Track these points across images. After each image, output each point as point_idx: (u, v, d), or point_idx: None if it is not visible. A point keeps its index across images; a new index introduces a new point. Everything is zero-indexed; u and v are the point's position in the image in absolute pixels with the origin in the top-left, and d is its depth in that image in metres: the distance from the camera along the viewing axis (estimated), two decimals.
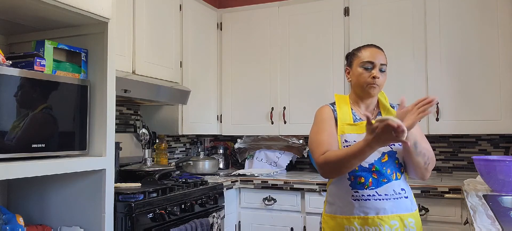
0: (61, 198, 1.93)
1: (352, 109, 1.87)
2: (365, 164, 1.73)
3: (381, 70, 1.80)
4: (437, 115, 2.85)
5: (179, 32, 3.02)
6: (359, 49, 1.86)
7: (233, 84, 3.50)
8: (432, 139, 3.21)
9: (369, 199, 1.70)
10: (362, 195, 1.71)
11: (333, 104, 1.92)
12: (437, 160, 3.19)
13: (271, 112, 3.35)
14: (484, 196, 2.02)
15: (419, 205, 2.57)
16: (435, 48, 2.88)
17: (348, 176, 1.75)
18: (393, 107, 1.89)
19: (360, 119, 1.84)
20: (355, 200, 1.72)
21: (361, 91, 1.82)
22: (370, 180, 1.71)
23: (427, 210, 2.56)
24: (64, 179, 1.91)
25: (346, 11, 3.14)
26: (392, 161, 1.75)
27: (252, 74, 3.43)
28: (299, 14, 3.30)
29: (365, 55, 1.81)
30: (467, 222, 2.19)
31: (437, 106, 2.85)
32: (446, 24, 2.87)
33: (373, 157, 1.70)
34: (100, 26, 1.90)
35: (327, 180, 1.88)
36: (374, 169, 1.72)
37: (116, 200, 1.95)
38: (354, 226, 1.71)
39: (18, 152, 1.57)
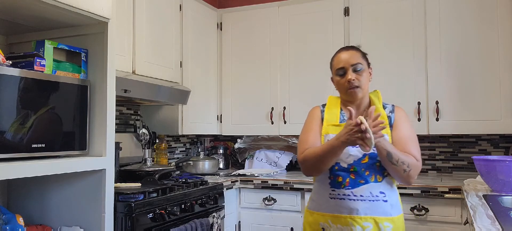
0: (61, 198, 1.93)
1: (341, 110, 1.88)
2: (344, 164, 1.75)
3: (355, 71, 1.78)
4: (437, 115, 2.85)
5: (179, 32, 3.02)
6: (333, 57, 1.89)
7: (233, 84, 3.50)
8: (432, 139, 3.21)
9: (344, 199, 1.73)
10: (338, 194, 1.74)
11: (324, 105, 1.95)
12: (437, 160, 3.20)
13: (271, 112, 3.35)
14: (484, 196, 2.02)
15: (419, 205, 2.57)
16: (435, 48, 2.88)
17: (329, 174, 1.78)
18: (385, 107, 1.87)
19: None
20: (331, 198, 1.76)
21: (346, 97, 1.85)
22: (347, 180, 1.74)
23: (427, 210, 2.56)
24: (64, 179, 1.91)
25: (346, 11, 3.14)
26: (372, 163, 1.74)
27: (252, 74, 3.43)
28: (299, 14, 3.30)
29: (336, 62, 1.84)
30: (467, 222, 2.19)
31: (437, 107, 2.85)
32: (446, 24, 2.87)
33: (353, 157, 1.74)
34: (100, 26, 1.90)
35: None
36: (352, 170, 1.74)
37: (116, 200, 1.95)
38: (328, 223, 1.76)
39: (18, 152, 1.57)
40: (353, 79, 1.76)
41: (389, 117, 1.83)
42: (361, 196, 1.71)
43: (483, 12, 2.78)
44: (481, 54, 2.77)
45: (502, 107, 2.72)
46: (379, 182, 1.74)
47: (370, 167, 1.73)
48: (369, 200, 1.71)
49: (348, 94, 1.80)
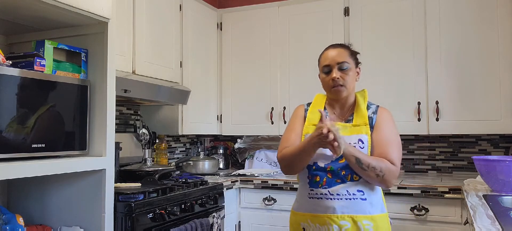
0: (61, 198, 1.93)
1: (325, 109, 1.89)
2: (321, 163, 1.76)
3: (341, 69, 1.77)
4: (437, 115, 2.85)
5: (179, 32, 3.02)
6: (321, 54, 1.88)
7: (233, 84, 3.50)
8: (432, 139, 3.21)
9: (322, 198, 1.74)
10: (316, 194, 1.76)
11: (309, 104, 1.96)
12: (437, 160, 3.20)
13: (271, 112, 3.35)
14: (484, 196, 2.02)
15: (419, 205, 2.57)
16: (435, 48, 2.88)
17: (307, 174, 1.80)
18: (369, 107, 1.83)
19: (333, 120, 1.86)
20: (310, 198, 1.78)
21: (331, 95, 1.86)
22: (324, 179, 1.75)
23: (427, 210, 2.56)
24: (64, 179, 1.91)
25: (346, 11, 3.14)
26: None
27: (252, 74, 3.43)
28: (299, 14, 3.30)
29: (323, 59, 1.84)
30: (467, 222, 2.19)
31: (437, 107, 2.85)
32: (446, 24, 2.87)
33: (329, 158, 1.74)
34: (100, 26, 1.90)
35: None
36: (329, 169, 1.75)
37: (116, 200, 1.95)
38: (307, 223, 1.78)
39: (18, 152, 1.57)
40: (338, 78, 1.77)
41: (370, 118, 1.80)
42: (337, 195, 1.72)
43: (483, 12, 2.78)
44: (481, 54, 2.77)
45: (502, 107, 2.72)
46: (356, 180, 1.73)
47: (347, 166, 1.72)
48: (346, 199, 1.71)
49: (332, 92, 1.81)
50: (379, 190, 1.79)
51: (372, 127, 1.78)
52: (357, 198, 1.71)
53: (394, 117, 2.91)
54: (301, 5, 3.29)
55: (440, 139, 3.20)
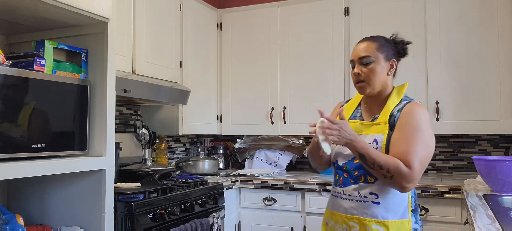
0: (61, 198, 1.93)
1: (359, 106, 1.83)
2: (340, 162, 1.75)
3: (363, 64, 1.69)
4: (437, 115, 2.85)
5: (179, 32, 3.02)
6: None
7: (233, 84, 3.50)
8: None
9: (338, 196, 1.74)
10: (335, 191, 1.77)
11: (348, 100, 1.93)
12: (437, 160, 3.20)
13: (271, 112, 3.35)
14: (484, 196, 2.02)
15: (419, 205, 2.57)
16: (435, 48, 2.88)
17: (333, 171, 1.83)
18: (400, 104, 1.69)
19: (360, 116, 1.79)
20: (332, 195, 1.80)
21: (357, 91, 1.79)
22: (341, 178, 1.74)
23: (427, 210, 2.56)
24: (64, 179, 1.91)
25: (346, 11, 3.14)
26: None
27: (252, 74, 3.43)
28: (299, 14, 3.30)
29: (351, 54, 1.79)
30: (467, 222, 2.19)
31: (437, 106, 2.85)
32: (446, 24, 2.87)
33: (347, 157, 1.72)
34: (100, 26, 1.90)
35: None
36: (345, 169, 1.73)
37: (116, 200, 1.95)
38: (328, 218, 1.80)
39: (18, 152, 1.57)
40: (358, 73, 1.70)
41: (393, 115, 1.67)
42: (349, 195, 1.69)
43: (483, 12, 2.78)
44: (481, 54, 2.77)
45: (502, 107, 2.72)
46: (371, 183, 1.65)
47: (361, 167, 1.66)
48: (357, 201, 1.66)
49: (357, 88, 1.75)
50: (399, 194, 1.63)
51: (394, 125, 1.65)
52: (368, 201, 1.64)
53: None
54: (301, 5, 3.29)
55: (440, 139, 3.20)
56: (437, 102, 2.85)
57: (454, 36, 2.85)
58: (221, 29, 3.55)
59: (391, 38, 1.79)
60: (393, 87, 1.76)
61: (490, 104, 2.74)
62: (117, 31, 2.29)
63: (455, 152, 3.17)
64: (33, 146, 1.62)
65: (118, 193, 2.02)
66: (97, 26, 1.90)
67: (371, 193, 1.64)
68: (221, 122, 3.52)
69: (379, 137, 1.65)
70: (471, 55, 2.80)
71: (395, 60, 1.73)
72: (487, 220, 1.52)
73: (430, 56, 2.89)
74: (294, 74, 3.29)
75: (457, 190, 2.49)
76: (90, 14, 1.80)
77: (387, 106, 1.70)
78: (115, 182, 1.97)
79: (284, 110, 3.31)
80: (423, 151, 1.58)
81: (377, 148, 1.64)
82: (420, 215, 2.56)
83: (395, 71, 1.75)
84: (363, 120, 1.77)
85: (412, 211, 1.65)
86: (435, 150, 3.20)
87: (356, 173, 1.68)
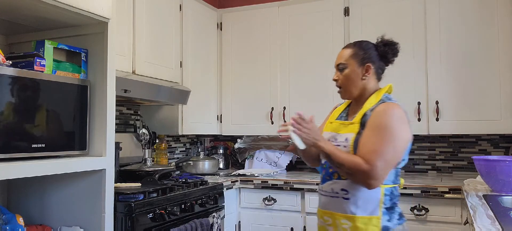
0: (61, 198, 1.93)
1: (347, 108, 1.89)
2: (322, 160, 1.83)
3: (339, 70, 1.80)
4: (437, 115, 2.85)
5: (179, 32, 3.02)
6: None
7: (233, 84, 3.50)
8: (432, 139, 3.21)
9: (319, 192, 1.84)
10: (318, 189, 1.86)
11: (343, 103, 1.99)
12: (437, 160, 3.20)
13: (271, 112, 3.35)
14: (484, 196, 2.02)
15: (419, 205, 2.57)
16: (435, 48, 2.88)
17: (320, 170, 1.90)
18: (376, 104, 1.72)
19: (345, 117, 1.85)
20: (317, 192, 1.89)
21: None
22: (322, 175, 1.83)
23: (427, 210, 2.56)
24: (64, 179, 1.91)
25: (346, 11, 3.14)
26: None
27: (252, 74, 3.43)
28: (299, 14, 3.30)
29: None
30: (467, 222, 2.19)
31: (437, 107, 2.85)
32: (446, 24, 2.87)
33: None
34: (100, 26, 1.90)
35: None
36: (324, 166, 1.82)
37: (116, 200, 1.95)
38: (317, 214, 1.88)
39: (18, 152, 1.57)
40: (336, 79, 1.82)
41: (366, 115, 1.71)
42: (325, 191, 1.77)
43: (483, 12, 2.78)
44: (481, 54, 2.77)
45: (502, 107, 2.72)
46: (343, 179, 1.70)
47: None
48: (330, 196, 1.74)
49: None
50: (371, 191, 1.65)
51: (365, 124, 1.69)
52: (339, 197, 1.70)
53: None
54: (301, 5, 3.29)
55: (440, 139, 3.20)
56: (437, 102, 2.85)
57: (454, 36, 2.85)
58: (221, 29, 3.55)
59: (376, 41, 1.83)
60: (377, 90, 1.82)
61: (490, 104, 2.74)
62: (117, 31, 2.29)
63: (455, 152, 3.17)
64: (33, 146, 1.62)
65: (118, 193, 2.02)
66: (97, 26, 1.90)
67: (342, 189, 1.70)
68: (221, 122, 3.52)
69: (349, 136, 1.71)
70: (471, 55, 2.80)
71: (370, 65, 1.77)
72: (487, 220, 1.52)
73: (430, 56, 2.89)
74: (294, 74, 3.29)
75: (457, 190, 2.49)
76: (90, 14, 1.80)
77: (364, 107, 1.76)
78: (115, 182, 1.97)
79: (284, 110, 3.31)
80: (387, 148, 1.60)
81: (346, 146, 1.70)
82: (421, 215, 2.56)
83: (380, 75, 1.82)
84: (346, 120, 1.83)
85: (387, 209, 1.67)
86: (435, 150, 3.22)
87: (331, 170, 1.77)
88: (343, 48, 1.84)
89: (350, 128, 1.73)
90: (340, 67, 1.79)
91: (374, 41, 1.80)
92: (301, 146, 1.64)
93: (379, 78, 1.82)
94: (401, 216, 1.72)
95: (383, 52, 1.79)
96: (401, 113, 1.68)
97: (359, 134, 1.69)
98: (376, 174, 1.57)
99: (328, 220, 1.75)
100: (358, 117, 1.74)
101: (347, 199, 1.69)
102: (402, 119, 1.66)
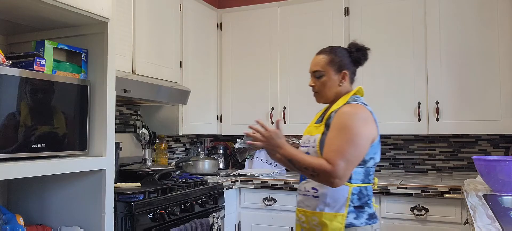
0: (61, 198, 1.93)
1: (326, 111, 1.89)
2: None
3: (316, 77, 1.85)
4: (437, 115, 2.85)
5: (179, 32, 3.02)
6: None
7: (233, 84, 3.50)
8: (432, 139, 3.21)
9: (297, 191, 1.90)
10: (297, 187, 1.92)
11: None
12: (437, 160, 3.20)
13: (271, 112, 3.35)
14: (484, 196, 2.02)
15: (419, 205, 2.57)
16: (435, 48, 2.88)
17: None
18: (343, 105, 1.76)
19: (321, 120, 1.85)
20: None
21: None
22: (300, 175, 1.88)
23: (427, 210, 2.56)
24: (64, 179, 1.91)
25: (346, 11, 3.14)
26: None
27: (252, 74, 3.43)
28: (299, 14, 3.30)
29: None
30: (467, 222, 2.19)
31: (437, 106, 2.85)
32: (446, 24, 2.87)
33: None
34: (100, 26, 1.90)
35: None
36: None
37: (116, 200, 1.95)
38: None
39: (18, 152, 1.57)
40: (312, 85, 1.87)
41: (330, 117, 1.75)
42: (300, 190, 1.85)
43: (483, 12, 2.78)
44: (481, 54, 2.77)
45: (502, 107, 2.72)
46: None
47: None
48: (303, 195, 1.81)
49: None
50: (337, 190, 1.69)
51: (328, 126, 1.74)
52: (310, 195, 1.77)
53: (394, 116, 2.95)
54: (301, 5, 3.29)
55: (440, 139, 3.20)
56: (437, 102, 2.85)
57: (454, 36, 2.85)
58: (221, 29, 3.55)
59: (349, 47, 1.87)
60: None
61: (490, 104, 2.74)
62: (117, 31, 2.29)
63: (455, 152, 3.17)
64: (33, 146, 1.62)
65: (118, 193, 2.02)
66: (97, 26, 1.90)
67: (312, 188, 1.76)
68: (221, 122, 3.52)
69: (317, 137, 1.76)
70: (471, 55, 2.80)
71: (346, 71, 1.82)
72: (487, 220, 1.52)
73: (430, 56, 2.89)
74: (294, 74, 3.29)
75: (457, 190, 2.49)
76: (90, 14, 1.80)
77: (331, 108, 1.80)
78: (115, 182, 1.97)
79: (284, 110, 3.31)
80: (349, 148, 1.63)
81: (314, 146, 1.76)
82: (420, 215, 2.56)
83: (353, 79, 1.87)
84: (320, 123, 1.85)
85: (355, 207, 1.71)
86: (435, 150, 3.22)
87: None
88: (317, 54, 1.87)
89: (318, 130, 1.79)
90: (316, 75, 1.84)
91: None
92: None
93: (352, 81, 1.88)
94: (372, 216, 1.74)
95: (356, 58, 1.84)
96: (364, 113, 1.71)
97: (324, 134, 1.74)
98: (338, 173, 1.61)
99: (301, 218, 1.81)
100: (325, 118, 1.79)
101: (316, 197, 1.75)
102: (364, 119, 1.70)
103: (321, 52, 1.87)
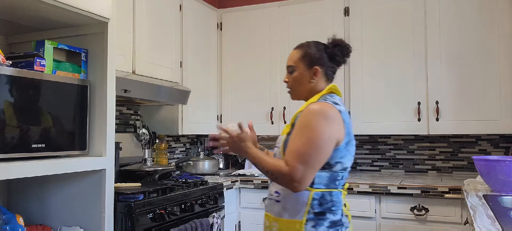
0: (61, 198, 1.93)
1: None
2: None
3: (289, 72, 1.78)
4: (437, 115, 2.85)
5: (179, 32, 3.02)
6: None
7: (233, 84, 3.50)
8: (432, 139, 3.21)
9: None
10: None
11: None
12: (437, 160, 3.20)
13: (271, 112, 3.35)
14: (484, 196, 2.02)
15: (419, 205, 2.57)
16: (435, 48, 2.88)
17: None
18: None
19: (296, 119, 1.76)
20: None
21: None
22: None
23: (427, 210, 2.56)
24: (64, 179, 1.91)
25: (346, 11, 3.14)
26: None
27: (252, 74, 3.43)
28: (299, 14, 3.30)
29: None
30: (467, 222, 2.19)
31: (437, 106, 2.85)
32: (446, 24, 2.87)
33: None
34: (100, 26, 1.90)
35: None
36: None
37: (116, 200, 1.95)
38: None
39: (18, 152, 1.57)
40: (286, 81, 1.79)
41: (296, 117, 1.66)
42: (268, 194, 1.77)
43: (483, 12, 2.78)
44: (481, 54, 2.77)
45: (502, 107, 2.72)
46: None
47: None
48: (268, 199, 1.75)
49: None
50: (299, 195, 1.60)
51: (293, 126, 1.66)
52: (272, 199, 1.70)
53: (394, 116, 2.95)
54: (301, 5, 3.29)
55: (440, 139, 3.20)
56: (437, 103, 2.85)
57: (454, 36, 2.85)
58: (221, 29, 3.55)
59: (327, 42, 1.78)
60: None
61: (490, 104, 2.74)
62: (117, 31, 2.29)
63: (455, 152, 3.17)
64: (33, 146, 1.62)
65: (118, 193, 2.02)
66: (97, 26, 1.90)
67: (275, 192, 1.69)
68: (221, 122, 3.52)
69: (283, 137, 1.69)
70: (471, 55, 2.80)
71: (317, 67, 1.71)
72: (487, 220, 1.52)
73: (430, 56, 2.89)
74: None
75: (457, 190, 2.49)
76: (90, 14, 1.80)
77: (301, 108, 1.69)
78: (115, 182, 1.97)
79: (284, 110, 3.31)
80: (309, 149, 1.53)
81: (278, 147, 1.70)
82: (421, 215, 2.56)
83: (331, 76, 1.76)
84: None
85: (315, 214, 1.59)
86: (435, 150, 3.22)
87: None
88: (294, 49, 1.80)
89: (286, 130, 1.71)
90: (289, 70, 1.77)
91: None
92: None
93: (329, 79, 1.76)
94: (335, 224, 1.60)
95: (331, 54, 1.73)
96: (331, 113, 1.58)
97: (289, 135, 1.65)
98: (296, 176, 1.52)
99: (266, 223, 1.73)
100: (292, 117, 1.70)
101: (278, 201, 1.67)
102: (329, 118, 1.57)
103: (297, 47, 1.79)
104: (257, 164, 1.65)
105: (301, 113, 1.63)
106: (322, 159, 1.56)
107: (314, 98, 1.70)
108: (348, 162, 1.65)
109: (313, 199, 1.59)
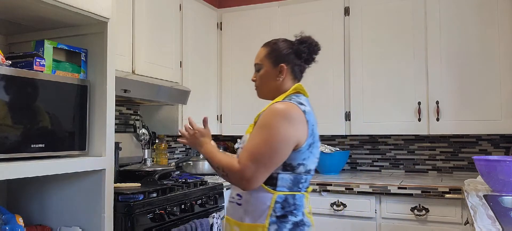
0: (61, 198, 1.93)
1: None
2: None
3: (256, 70, 1.75)
4: (438, 115, 2.85)
5: (179, 32, 3.02)
6: None
7: (233, 84, 3.50)
8: (433, 139, 3.21)
9: None
10: None
11: None
12: (437, 160, 3.19)
13: None
14: (485, 196, 2.02)
15: (419, 205, 2.57)
16: (435, 48, 2.88)
17: None
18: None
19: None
20: None
21: None
22: None
23: (427, 210, 2.55)
24: (64, 179, 1.91)
25: (346, 11, 3.14)
26: None
27: (252, 74, 3.42)
28: (299, 14, 3.29)
29: None
30: (468, 222, 2.19)
31: (438, 107, 2.85)
32: (446, 24, 2.86)
33: None
34: (100, 26, 1.90)
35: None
36: None
37: (115, 200, 1.95)
38: None
39: (18, 152, 1.56)
40: (254, 79, 1.76)
41: (260, 115, 1.62)
42: (229, 197, 1.71)
43: (483, 12, 2.78)
44: (481, 54, 2.77)
45: (502, 107, 2.72)
46: None
47: None
48: (229, 201, 1.69)
49: None
50: (262, 197, 1.55)
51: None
52: (234, 202, 1.64)
53: (394, 116, 2.95)
54: (301, 5, 3.29)
55: (441, 139, 3.20)
56: (437, 103, 2.85)
57: (454, 36, 2.84)
58: (221, 29, 3.55)
59: (294, 39, 1.75)
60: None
61: (490, 104, 2.74)
62: (117, 31, 2.29)
63: (456, 152, 3.16)
64: (33, 146, 1.62)
65: (118, 193, 2.01)
66: (97, 26, 1.90)
67: (237, 194, 1.64)
68: (221, 122, 3.52)
69: (246, 137, 1.64)
70: (471, 55, 2.80)
71: (283, 65, 1.67)
72: (488, 220, 1.51)
73: (430, 56, 2.89)
74: None
75: (457, 190, 2.49)
76: (90, 14, 1.80)
77: (264, 108, 1.64)
78: (115, 182, 1.97)
79: None
80: (262, 148, 1.49)
81: (241, 146, 1.65)
82: (421, 215, 2.56)
83: (299, 75, 1.73)
84: None
85: (277, 217, 1.54)
86: (435, 150, 3.21)
87: None
88: (261, 46, 1.75)
89: (249, 129, 1.67)
90: (256, 68, 1.74)
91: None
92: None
93: (297, 78, 1.73)
94: (298, 224, 1.56)
95: (297, 51, 1.69)
96: (293, 113, 1.53)
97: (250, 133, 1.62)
98: (245, 174, 1.48)
99: (226, 227, 1.67)
100: (256, 117, 1.65)
101: (239, 204, 1.61)
102: (290, 119, 1.52)
103: (264, 45, 1.75)
104: (209, 159, 1.62)
105: (263, 113, 1.58)
106: (277, 161, 1.51)
107: (280, 98, 1.65)
108: (312, 164, 1.61)
109: (276, 202, 1.55)
